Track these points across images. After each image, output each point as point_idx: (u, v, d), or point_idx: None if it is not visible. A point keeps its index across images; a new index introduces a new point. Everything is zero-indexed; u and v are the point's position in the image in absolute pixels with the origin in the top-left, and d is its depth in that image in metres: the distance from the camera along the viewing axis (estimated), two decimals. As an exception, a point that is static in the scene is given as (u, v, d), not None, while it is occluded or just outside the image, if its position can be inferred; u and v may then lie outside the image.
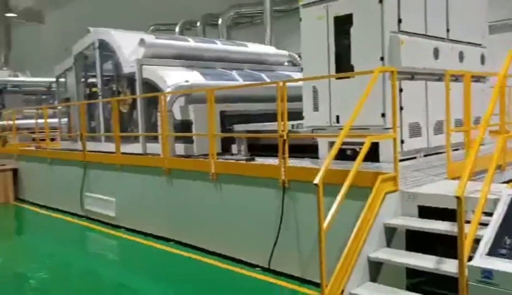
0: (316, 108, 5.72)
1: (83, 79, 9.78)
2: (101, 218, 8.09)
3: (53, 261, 6.52)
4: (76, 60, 9.76)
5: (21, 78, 17.14)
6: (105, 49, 8.80)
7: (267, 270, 5.27)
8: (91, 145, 8.81)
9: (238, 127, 6.90)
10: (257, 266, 5.41)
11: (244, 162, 5.77)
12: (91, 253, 7.16)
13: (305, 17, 5.82)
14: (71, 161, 8.94)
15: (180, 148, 6.83)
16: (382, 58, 5.10)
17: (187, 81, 7.19)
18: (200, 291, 5.05)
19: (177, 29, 17.08)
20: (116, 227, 7.67)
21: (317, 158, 5.63)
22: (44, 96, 17.45)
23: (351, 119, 3.84)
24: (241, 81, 8.23)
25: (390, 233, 3.92)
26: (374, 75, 4.22)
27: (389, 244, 3.92)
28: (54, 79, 17.11)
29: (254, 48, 10.33)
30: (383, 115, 5.08)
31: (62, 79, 10.87)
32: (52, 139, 12.58)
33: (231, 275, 5.35)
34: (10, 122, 12.24)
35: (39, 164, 10.01)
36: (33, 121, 12.23)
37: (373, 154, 4.93)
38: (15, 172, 10.72)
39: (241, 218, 5.63)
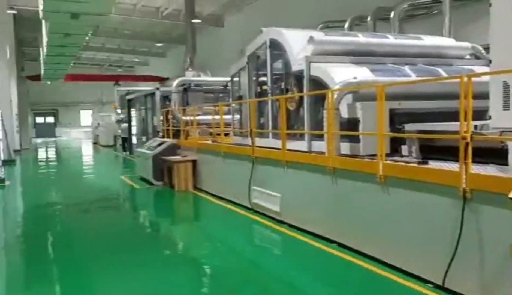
0: (507, 107, 4.91)
1: (254, 78, 10.24)
2: (266, 212, 8.39)
3: (223, 249, 6.97)
4: (249, 59, 10.27)
5: (202, 77, 18.85)
6: (276, 48, 9.03)
7: (441, 288, 4.73)
8: (260, 141, 9.13)
9: (409, 126, 6.37)
10: (429, 281, 4.91)
11: (416, 165, 5.28)
12: (256, 245, 7.45)
13: (496, 1, 5.03)
14: (241, 155, 9.48)
15: (345, 147, 6.62)
16: None
17: (355, 78, 6.92)
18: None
19: (346, 25, 16.76)
20: (280, 222, 7.85)
21: (505, 164, 4.83)
22: (221, 95, 18.84)
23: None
24: (414, 77, 7.61)
25: None
26: None
27: None
28: (229, 79, 18.59)
29: (430, 41, 9.48)
30: None
31: (236, 79, 11.59)
32: (226, 134, 13.58)
33: (399, 288, 4.95)
34: (192, 117, 13.56)
35: (215, 157, 10.87)
36: (210, 117, 13.35)
37: None
38: (194, 163, 11.83)
39: (411, 226, 5.17)
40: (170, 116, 16.83)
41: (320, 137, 7.31)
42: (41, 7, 11.48)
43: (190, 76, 19.18)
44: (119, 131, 28.87)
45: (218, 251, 6.88)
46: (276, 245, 7.32)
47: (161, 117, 16.92)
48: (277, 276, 5.67)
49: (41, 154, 30.33)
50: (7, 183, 14.15)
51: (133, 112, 23.48)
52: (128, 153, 23.58)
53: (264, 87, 9.82)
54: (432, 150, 5.84)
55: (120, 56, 43.82)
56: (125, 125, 24.33)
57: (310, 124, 7.71)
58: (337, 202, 6.48)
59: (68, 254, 6.77)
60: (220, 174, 10.62)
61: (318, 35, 8.56)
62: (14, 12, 24.47)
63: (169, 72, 38.57)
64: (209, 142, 11.94)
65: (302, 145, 7.75)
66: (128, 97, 23.55)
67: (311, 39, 8.11)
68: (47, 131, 50.92)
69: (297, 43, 8.51)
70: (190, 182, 11.63)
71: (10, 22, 25.87)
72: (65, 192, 13.10)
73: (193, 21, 24.43)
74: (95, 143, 34.92)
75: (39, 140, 44.50)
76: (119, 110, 33.80)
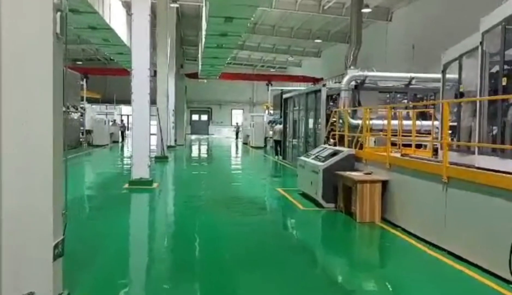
0: None
1: (492, 67, 6.74)
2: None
3: None
4: (484, 39, 6.78)
5: (379, 73, 15.43)
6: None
7: None
8: (488, 162, 6.04)
9: None
10: None
11: None
12: None
13: None
14: (488, 188, 5.78)
15: None
16: None
17: None
18: None
19: None
20: None
21: None
22: (398, 95, 15.59)
23: None
24: None
25: None
26: None
27: None
28: (411, 75, 15.05)
29: None
30: None
31: (450, 75, 8.26)
32: (418, 146, 10.17)
33: None
34: (377, 121, 10.42)
35: (425, 181, 7.29)
36: (395, 122, 10.24)
37: None
38: (384, 184, 8.56)
39: None
40: (333, 119, 14.30)
41: None
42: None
43: (355, 73, 16.07)
44: (271, 132, 27.04)
45: None
46: None
47: (333, 119, 14.37)
48: None
49: (194, 151, 30.16)
50: (154, 185, 12.57)
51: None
52: (281, 157, 21.24)
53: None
54: None
55: (274, 56, 42.88)
56: (279, 127, 22.08)
57: None
58: None
59: None
60: (436, 210, 6.92)
61: None
62: (177, 5, 24.15)
63: (323, 73, 36.63)
64: (398, 155, 8.70)
65: None
66: (285, 96, 21.26)
67: None
68: (201, 128, 53.16)
69: None
70: (377, 211, 8.34)
71: (172, 17, 25.72)
72: (216, 203, 10.73)
73: (362, 10, 21.35)
74: (245, 143, 33.91)
75: (193, 136, 45.82)
76: (272, 111, 32.29)
